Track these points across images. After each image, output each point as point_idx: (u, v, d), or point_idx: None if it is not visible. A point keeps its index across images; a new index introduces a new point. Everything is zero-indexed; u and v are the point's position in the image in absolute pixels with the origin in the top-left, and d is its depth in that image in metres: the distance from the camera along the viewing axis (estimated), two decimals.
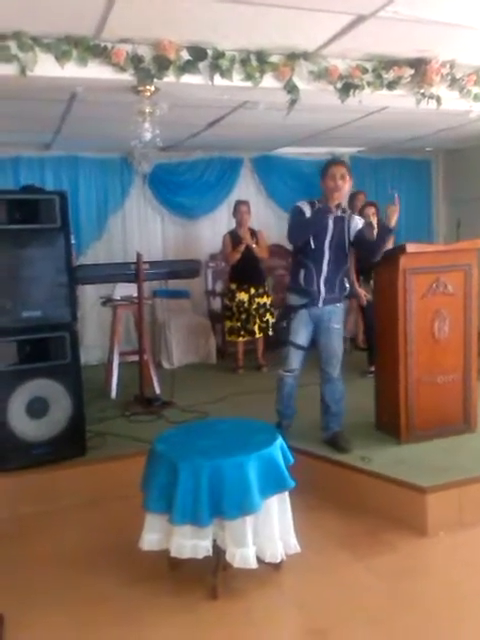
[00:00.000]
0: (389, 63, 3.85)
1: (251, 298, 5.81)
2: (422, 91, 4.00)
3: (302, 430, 3.89)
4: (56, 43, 3.22)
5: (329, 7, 3.00)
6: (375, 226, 5.24)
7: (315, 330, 3.74)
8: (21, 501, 3.49)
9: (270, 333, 5.82)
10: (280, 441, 2.82)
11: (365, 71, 3.84)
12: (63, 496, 3.57)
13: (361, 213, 5.41)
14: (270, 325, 5.82)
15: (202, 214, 6.98)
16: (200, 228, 7.04)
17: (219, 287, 6.93)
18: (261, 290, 5.88)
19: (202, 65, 3.51)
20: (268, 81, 3.68)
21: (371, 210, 5.32)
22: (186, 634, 2.47)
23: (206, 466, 2.57)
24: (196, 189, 6.88)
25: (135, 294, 4.92)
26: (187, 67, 3.47)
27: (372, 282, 4.73)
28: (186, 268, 5.02)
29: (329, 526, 3.27)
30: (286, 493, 2.77)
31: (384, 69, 3.86)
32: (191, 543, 2.59)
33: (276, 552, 2.66)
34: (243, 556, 2.56)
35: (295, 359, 3.75)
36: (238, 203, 5.97)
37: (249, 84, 3.65)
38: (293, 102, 3.79)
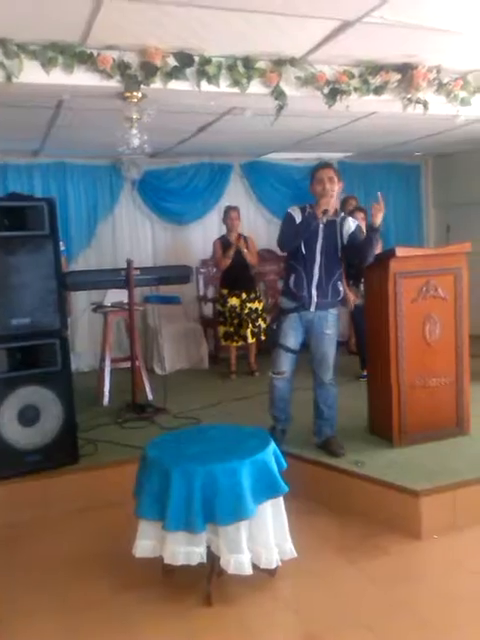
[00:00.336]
0: (376, 68, 3.88)
1: (243, 303, 5.81)
2: (409, 96, 4.03)
3: (295, 435, 3.88)
4: (42, 50, 3.21)
5: (315, 13, 3.01)
6: (364, 231, 5.26)
7: (307, 335, 3.74)
8: (13, 509, 3.46)
9: (262, 337, 5.82)
10: (273, 446, 2.82)
11: (352, 76, 3.86)
12: (55, 503, 3.55)
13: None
14: (262, 330, 5.82)
15: (192, 220, 6.99)
16: (190, 234, 7.04)
17: (211, 293, 6.93)
18: (253, 295, 5.88)
19: (189, 71, 3.52)
20: (255, 87, 3.69)
21: (360, 215, 5.34)
22: None
23: (199, 472, 2.56)
24: (186, 195, 6.89)
25: (126, 300, 4.91)
26: (174, 73, 3.48)
27: (362, 286, 4.75)
28: (177, 274, 5.01)
29: (323, 530, 3.26)
30: (280, 498, 2.76)
31: (371, 74, 3.89)
32: (185, 550, 2.58)
33: (271, 558, 2.65)
34: (237, 562, 2.55)
35: (285, 362, 3.75)
36: (228, 209, 5.99)
37: (236, 90, 3.65)
38: (280, 108, 3.80)
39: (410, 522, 3.17)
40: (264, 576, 2.75)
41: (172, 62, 3.47)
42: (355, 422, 4.13)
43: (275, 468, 2.74)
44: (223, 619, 2.56)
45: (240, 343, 5.89)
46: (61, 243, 3.95)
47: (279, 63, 3.67)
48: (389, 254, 3.75)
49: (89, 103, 3.95)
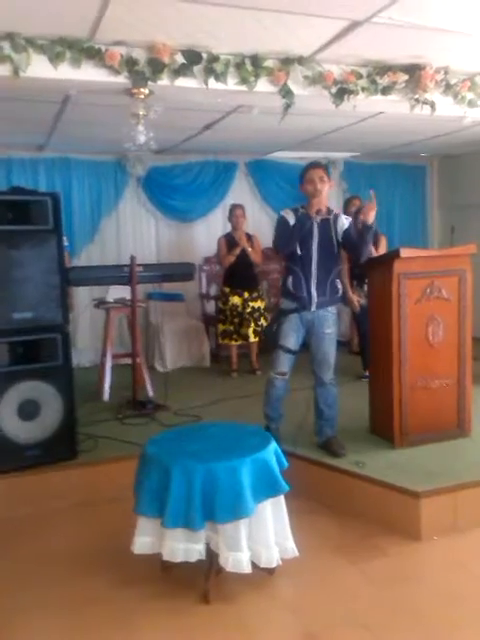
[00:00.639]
0: (383, 69, 3.87)
1: (245, 302, 5.81)
2: (416, 97, 4.02)
3: (296, 434, 3.88)
4: (50, 44, 3.20)
5: (324, 12, 3.00)
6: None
7: (307, 335, 3.75)
8: (12, 503, 3.47)
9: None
10: (274, 445, 2.81)
11: (360, 76, 3.85)
12: (54, 498, 3.55)
13: (355, 218, 5.42)
14: (264, 329, 5.81)
15: (196, 217, 6.98)
16: (194, 231, 7.04)
17: (213, 290, 6.93)
18: (255, 294, 5.88)
19: (197, 69, 3.50)
20: (263, 85, 3.68)
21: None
22: (177, 638, 2.45)
23: (199, 470, 2.56)
24: (191, 192, 6.88)
25: (128, 297, 4.91)
26: (182, 70, 3.47)
27: (366, 287, 4.74)
28: (180, 271, 5.01)
29: (323, 530, 3.26)
30: (281, 497, 2.76)
31: (378, 75, 3.88)
32: (184, 547, 2.58)
33: (271, 557, 2.65)
34: (236, 560, 2.55)
35: (285, 362, 3.76)
36: (233, 207, 5.98)
37: (244, 88, 3.65)
38: (288, 106, 3.79)
39: (410, 523, 3.17)
40: (263, 574, 2.75)
41: (180, 59, 3.45)
42: (356, 422, 4.13)
43: (276, 467, 2.73)
44: (221, 617, 2.56)
45: (239, 342, 5.88)
46: (64, 238, 3.95)
47: (287, 62, 3.66)
48: (393, 255, 3.74)
49: (96, 99, 3.95)
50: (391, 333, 3.72)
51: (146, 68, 3.41)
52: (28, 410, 3.63)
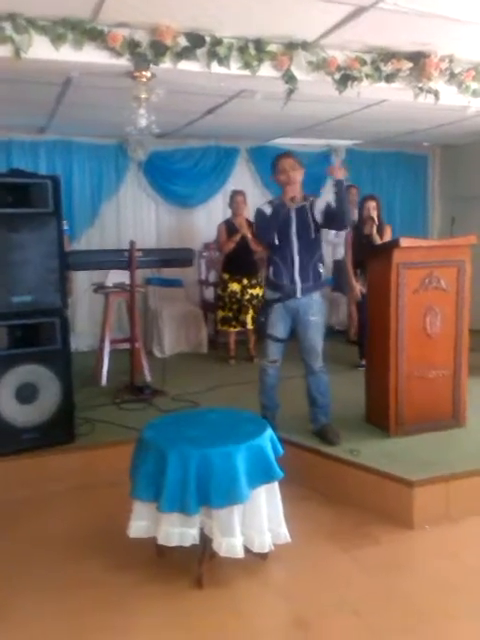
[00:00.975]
0: (388, 56, 3.84)
1: (243, 289, 5.80)
2: (420, 85, 4.00)
3: (291, 422, 3.90)
4: (51, 25, 3.18)
5: None
6: (376, 220, 5.25)
7: (294, 323, 3.77)
8: (9, 486, 3.48)
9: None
10: (270, 432, 2.83)
11: (364, 63, 3.82)
12: (51, 482, 3.56)
13: (361, 208, 5.41)
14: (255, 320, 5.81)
15: (197, 203, 6.96)
16: (195, 217, 7.01)
17: (212, 277, 6.91)
18: (254, 281, 5.86)
19: (200, 52, 3.48)
20: (266, 70, 3.66)
21: (371, 204, 5.32)
22: (171, 622, 2.47)
23: (195, 455, 2.57)
24: (191, 177, 6.85)
25: (128, 281, 4.90)
26: (184, 53, 3.44)
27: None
28: (179, 257, 5.00)
29: (316, 517, 3.29)
30: (276, 484, 2.77)
31: (383, 62, 3.85)
32: (179, 531, 2.60)
33: (264, 542, 2.67)
34: (230, 545, 2.57)
35: (275, 351, 3.79)
36: (234, 193, 5.96)
37: (247, 72, 3.62)
38: (291, 92, 3.77)
39: (403, 512, 3.19)
40: (256, 560, 2.77)
41: (183, 42, 3.43)
42: (352, 411, 4.14)
43: (271, 454, 2.75)
44: (214, 601, 2.58)
45: (238, 328, 5.89)
46: (64, 222, 3.93)
47: (291, 47, 3.63)
48: (393, 244, 3.73)
49: (97, 81, 3.92)
50: (389, 323, 3.73)
51: (148, 51, 3.39)
52: (26, 394, 3.63)
